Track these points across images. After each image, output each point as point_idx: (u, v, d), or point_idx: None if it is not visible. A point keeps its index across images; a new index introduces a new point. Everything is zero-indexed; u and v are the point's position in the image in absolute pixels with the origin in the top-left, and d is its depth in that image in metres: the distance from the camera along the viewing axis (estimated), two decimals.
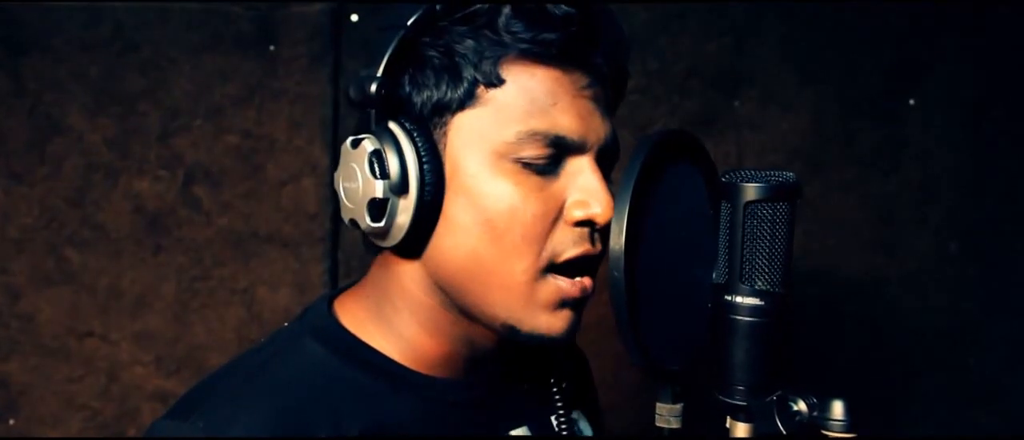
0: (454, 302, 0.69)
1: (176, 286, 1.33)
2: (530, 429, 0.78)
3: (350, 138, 0.68)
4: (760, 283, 0.54)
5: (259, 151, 1.34)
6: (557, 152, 0.66)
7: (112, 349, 1.32)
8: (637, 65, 1.48)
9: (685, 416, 0.57)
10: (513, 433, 0.77)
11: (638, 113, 1.49)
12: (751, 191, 0.53)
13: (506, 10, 0.65)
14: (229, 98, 1.33)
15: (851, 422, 0.49)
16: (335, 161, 1.35)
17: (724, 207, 0.55)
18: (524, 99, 0.65)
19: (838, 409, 0.50)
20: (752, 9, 1.51)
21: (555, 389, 0.80)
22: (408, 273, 0.70)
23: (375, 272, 0.74)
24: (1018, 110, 1.61)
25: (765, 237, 0.53)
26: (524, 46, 0.64)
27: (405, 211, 0.65)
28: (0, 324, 1.28)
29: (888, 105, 1.58)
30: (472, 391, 0.74)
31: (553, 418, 0.80)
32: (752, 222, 0.53)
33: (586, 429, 0.87)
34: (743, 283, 0.54)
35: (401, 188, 0.65)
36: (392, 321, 0.71)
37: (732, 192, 0.54)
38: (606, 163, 0.70)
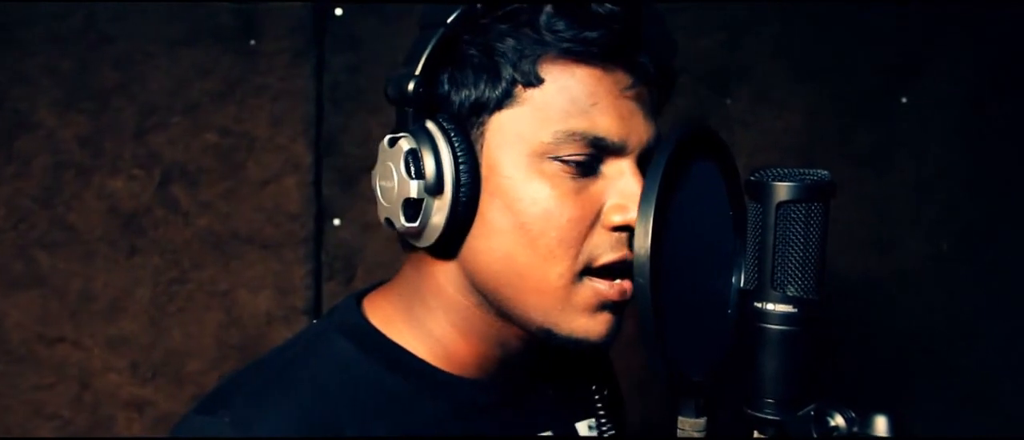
0: (490, 303, 0.68)
1: (152, 289, 1.28)
2: (554, 433, 0.78)
3: (388, 136, 0.67)
4: (792, 289, 0.50)
5: (239, 149, 1.30)
6: (596, 153, 0.64)
7: (84, 355, 1.26)
8: None
9: (709, 431, 0.53)
10: (540, 436, 0.76)
11: None
12: (783, 191, 0.50)
13: (548, 8, 0.63)
14: (208, 94, 1.29)
15: (896, 438, 0.46)
16: (318, 159, 1.33)
17: (753, 208, 0.52)
18: (563, 99, 0.63)
19: (882, 425, 0.47)
20: (745, 6, 1.50)
21: (597, 397, 0.79)
22: (443, 273, 0.69)
23: (407, 271, 0.73)
24: (1012, 109, 1.61)
25: (798, 240, 0.50)
26: (565, 45, 0.63)
27: (440, 212, 0.64)
28: None
29: (882, 104, 1.58)
30: (499, 393, 0.73)
31: (583, 423, 0.80)
32: (784, 224, 0.50)
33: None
34: (774, 289, 0.50)
35: (436, 188, 0.64)
36: (423, 320, 0.71)
37: (762, 192, 0.51)
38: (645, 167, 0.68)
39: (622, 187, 0.64)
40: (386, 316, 0.72)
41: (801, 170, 0.51)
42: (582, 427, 0.80)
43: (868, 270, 1.59)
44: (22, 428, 1.24)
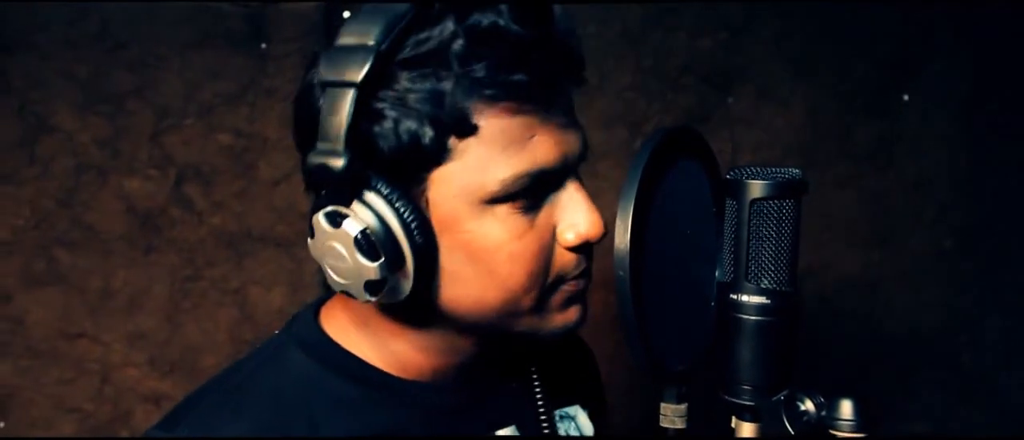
0: (457, 327, 0.69)
1: (168, 286, 1.32)
2: (518, 428, 0.78)
3: (322, 211, 0.61)
4: (766, 282, 0.53)
5: (251, 150, 1.33)
6: (541, 185, 0.64)
7: (104, 350, 1.30)
8: (631, 61, 1.48)
9: (690, 416, 0.56)
10: (500, 433, 0.76)
11: (632, 110, 1.48)
12: (757, 188, 0.53)
13: (456, 46, 0.59)
14: (220, 96, 1.32)
15: (861, 422, 0.49)
16: None
17: (729, 204, 0.55)
18: (502, 142, 0.61)
19: (847, 409, 0.49)
20: (746, 5, 1.51)
21: (537, 386, 0.79)
22: (403, 304, 0.67)
23: None
24: (1012, 105, 1.62)
25: (771, 235, 0.53)
26: (491, 92, 0.59)
27: (405, 280, 0.62)
28: None
29: (882, 101, 1.58)
30: (458, 395, 0.73)
31: (559, 412, 0.81)
32: (758, 220, 0.53)
33: (585, 424, 0.86)
34: (749, 282, 0.53)
35: (397, 264, 0.61)
36: (378, 333, 0.70)
37: (737, 189, 0.53)
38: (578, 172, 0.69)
39: (569, 205, 0.65)
40: (342, 327, 0.72)
41: (774, 169, 0.54)
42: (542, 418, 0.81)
43: (869, 266, 1.60)
44: (45, 421, 1.28)
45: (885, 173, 1.59)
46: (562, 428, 0.82)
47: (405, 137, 0.60)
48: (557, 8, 0.63)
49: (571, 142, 0.64)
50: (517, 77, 0.59)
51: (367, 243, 0.60)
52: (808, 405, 0.50)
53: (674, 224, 0.58)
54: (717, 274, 0.56)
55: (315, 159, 0.60)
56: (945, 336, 1.64)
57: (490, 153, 0.61)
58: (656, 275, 0.55)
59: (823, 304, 1.58)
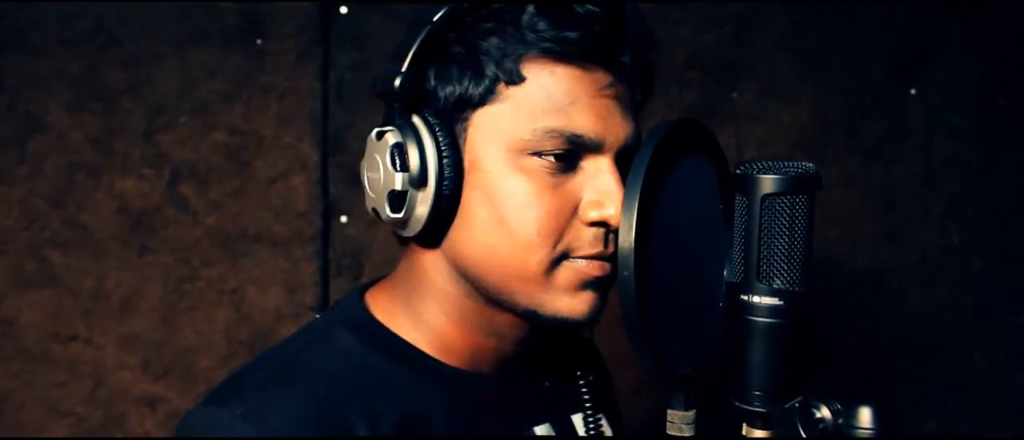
0: (478, 290, 0.70)
1: (163, 287, 1.30)
2: (553, 427, 0.79)
3: (375, 129, 0.69)
4: (778, 282, 0.50)
5: (247, 148, 1.31)
6: (574, 150, 0.66)
7: (97, 353, 1.28)
8: None
9: (698, 423, 0.53)
10: (537, 431, 0.77)
11: None
12: (768, 183, 0.50)
13: (530, 8, 0.65)
14: (215, 94, 1.30)
15: (880, 430, 0.46)
16: (325, 157, 1.34)
17: (739, 201, 0.52)
18: (543, 96, 0.65)
19: (866, 416, 0.47)
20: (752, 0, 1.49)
21: (583, 385, 0.80)
22: (432, 263, 0.72)
23: (403, 264, 0.75)
24: (1022, 99, 1.60)
25: (783, 232, 0.50)
26: (545, 45, 0.64)
27: (424, 203, 0.67)
28: None
29: (890, 95, 1.56)
30: (498, 386, 0.75)
31: (578, 416, 0.81)
32: (769, 216, 0.50)
33: (608, 433, 0.85)
34: (760, 282, 0.50)
35: (420, 181, 0.66)
36: (420, 311, 0.73)
37: (748, 185, 0.51)
38: (627, 164, 0.67)
39: (599, 184, 0.66)
40: (386, 309, 0.74)
41: (786, 162, 0.51)
42: (577, 420, 0.81)
43: (877, 262, 1.58)
44: (37, 425, 1.26)
45: (893, 168, 1.57)
46: (585, 430, 0.82)
47: (460, 75, 0.66)
48: (637, 8, 0.69)
49: (617, 125, 0.67)
50: (570, 34, 0.64)
51: (400, 155, 0.66)
52: (824, 412, 0.48)
53: (680, 221, 0.56)
54: (726, 274, 0.54)
55: (381, 76, 0.67)
56: (955, 333, 1.61)
57: (531, 105, 0.65)
58: (661, 275, 0.52)
59: (831, 301, 1.55)
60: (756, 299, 0.50)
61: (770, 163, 0.51)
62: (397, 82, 0.66)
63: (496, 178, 0.66)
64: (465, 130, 0.67)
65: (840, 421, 0.47)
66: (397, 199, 0.67)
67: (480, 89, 0.66)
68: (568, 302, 0.67)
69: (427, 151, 0.66)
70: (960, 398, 1.62)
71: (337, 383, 0.68)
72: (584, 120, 0.65)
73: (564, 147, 0.65)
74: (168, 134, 1.29)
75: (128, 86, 1.27)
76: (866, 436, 0.46)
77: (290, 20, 1.32)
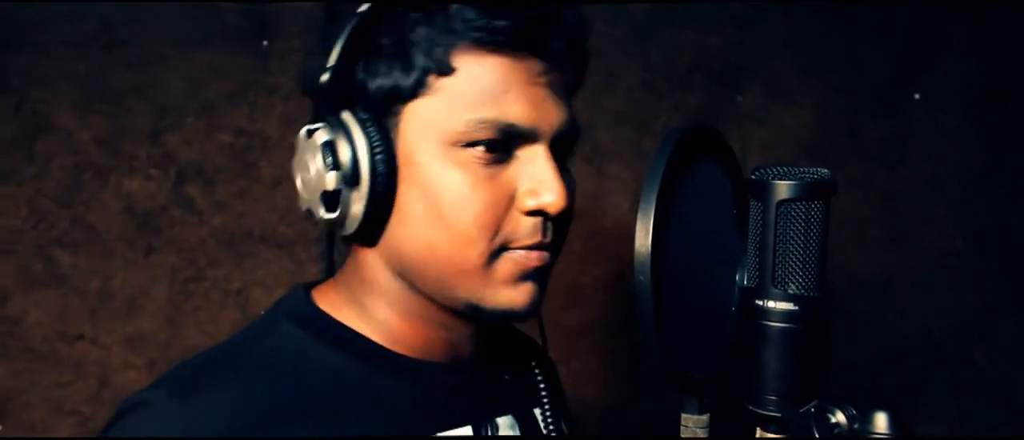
0: (419, 285, 0.69)
1: (168, 288, 1.30)
2: (515, 418, 0.78)
3: (305, 127, 0.67)
4: (793, 287, 0.51)
5: (253, 149, 1.31)
6: (508, 140, 0.65)
7: (103, 353, 1.28)
8: (639, 59, 1.46)
9: (713, 427, 0.54)
10: (499, 421, 0.76)
11: (640, 108, 1.46)
12: (784, 189, 0.50)
13: None
14: (221, 95, 1.30)
15: (897, 435, 0.46)
16: None
17: (754, 206, 0.52)
18: (475, 87, 0.64)
19: (882, 421, 0.47)
20: (755, 3, 1.49)
21: (540, 379, 0.79)
22: (373, 259, 0.71)
23: (348, 261, 0.75)
24: None
25: (799, 238, 0.50)
26: (475, 34, 0.63)
27: (358, 202, 0.66)
28: None
29: (893, 98, 1.57)
30: (453, 376, 0.73)
31: (537, 410, 0.80)
32: (785, 222, 0.50)
33: (565, 430, 0.85)
34: (775, 287, 0.51)
35: (353, 179, 0.65)
36: (367, 307, 0.72)
37: (763, 190, 0.51)
38: (563, 150, 0.69)
39: (534, 172, 0.65)
40: (333, 303, 0.73)
41: (801, 168, 0.51)
42: (538, 414, 0.81)
43: (880, 266, 1.58)
44: (43, 424, 1.26)
45: (896, 172, 1.57)
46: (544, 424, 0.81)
47: (389, 67, 0.65)
48: None
49: (551, 112, 0.66)
50: (500, 23, 0.63)
51: (331, 153, 0.64)
52: (839, 417, 0.48)
53: (693, 226, 0.56)
54: (740, 279, 0.54)
55: (308, 72, 0.66)
56: (958, 337, 1.62)
57: (463, 95, 0.64)
58: (675, 279, 0.53)
59: (834, 304, 1.56)
60: (771, 304, 0.50)
61: (785, 169, 0.51)
62: (324, 78, 0.65)
63: (431, 172, 0.65)
64: (397, 124, 0.66)
65: (855, 426, 0.48)
66: (331, 198, 0.66)
67: (410, 81, 0.65)
68: (508, 294, 0.67)
69: (359, 148, 0.65)
70: (964, 400, 1.62)
71: (275, 371, 0.67)
72: (517, 109, 0.64)
73: (498, 137, 0.64)
74: (174, 135, 1.29)
75: (134, 87, 1.27)
76: None
77: (295, 21, 1.32)
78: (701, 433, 0.51)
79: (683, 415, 0.52)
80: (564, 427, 0.85)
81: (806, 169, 0.51)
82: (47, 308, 1.26)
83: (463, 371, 0.74)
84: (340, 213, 0.66)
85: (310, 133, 0.66)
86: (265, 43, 1.31)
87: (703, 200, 0.58)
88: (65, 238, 1.26)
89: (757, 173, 0.52)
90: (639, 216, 0.48)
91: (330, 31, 0.66)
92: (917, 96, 1.57)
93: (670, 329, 0.49)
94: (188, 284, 1.31)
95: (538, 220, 0.66)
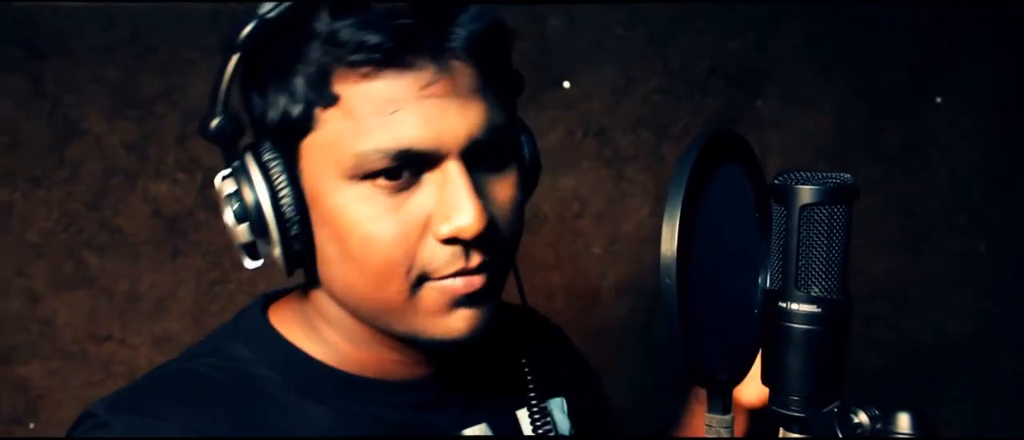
0: (360, 319, 0.67)
1: (195, 289, 1.32)
2: (490, 426, 0.74)
3: (219, 173, 0.64)
4: (816, 290, 0.52)
5: None
6: (409, 164, 0.59)
7: (131, 353, 1.31)
8: (657, 63, 1.47)
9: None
10: (471, 431, 0.72)
11: (659, 112, 1.47)
12: (807, 194, 0.51)
13: (325, 17, 0.58)
14: None
15: (920, 435, 0.47)
16: None
17: (777, 210, 0.53)
18: (361, 114, 0.58)
19: (905, 422, 0.48)
20: (774, 6, 1.50)
21: (528, 373, 0.75)
22: (318, 291, 0.68)
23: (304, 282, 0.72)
24: None
25: (822, 242, 0.51)
26: (350, 58, 0.57)
27: (275, 248, 0.62)
28: (20, 328, 1.27)
29: (913, 103, 1.56)
30: (412, 394, 0.69)
31: (524, 412, 0.76)
32: (808, 226, 0.51)
33: (562, 419, 0.81)
34: (799, 290, 0.52)
35: (262, 231, 0.61)
36: (317, 328, 0.69)
37: (786, 195, 0.52)
38: (491, 158, 0.63)
39: (445, 194, 0.59)
40: (285, 320, 0.70)
41: (824, 173, 0.53)
42: (522, 415, 0.77)
43: (900, 271, 1.58)
44: (73, 422, 1.29)
45: (916, 176, 1.57)
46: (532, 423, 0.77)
47: (278, 104, 0.60)
48: None
49: (454, 123, 0.59)
50: (372, 39, 0.56)
51: (238, 201, 0.61)
52: (862, 417, 0.49)
53: (717, 230, 0.57)
54: (763, 282, 0.55)
55: (202, 117, 0.62)
56: (978, 342, 1.61)
57: (351, 125, 0.58)
58: (700, 282, 0.54)
59: (853, 309, 1.56)
60: (794, 306, 0.51)
61: (808, 174, 0.52)
62: (214, 124, 0.60)
63: (335, 211, 0.60)
64: (300, 161, 0.61)
65: (878, 426, 0.49)
66: (250, 249, 0.62)
67: (299, 115, 0.59)
68: (442, 324, 0.62)
69: (261, 197, 0.60)
70: (984, 406, 1.61)
71: (211, 394, 0.65)
72: (410, 130, 0.57)
73: (393, 164, 0.58)
74: (200, 140, 1.30)
75: (162, 92, 1.30)
76: None
77: None
78: (725, 432, 0.52)
79: (707, 415, 0.53)
80: (557, 418, 0.80)
81: (829, 174, 0.52)
82: (77, 309, 1.29)
83: (425, 388, 0.70)
84: (265, 261, 0.63)
85: (223, 179, 0.63)
86: None
87: (726, 205, 0.59)
88: (95, 241, 1.29)
89: (780, 178, 0.53)
90: (665, 220, 0.49)
91: (218, 72, 0.61)
92: (939, 100, 1.57)
93: (694, 330, 0.51)
94: (214, 286, 1.33)
95: (457, 247, 0.60)
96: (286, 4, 0.58)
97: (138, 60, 1.29)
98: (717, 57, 1.49)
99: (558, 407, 0.82)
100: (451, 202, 0.59)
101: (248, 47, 0.59)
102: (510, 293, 0.74)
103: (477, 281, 0.62)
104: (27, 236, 1.27)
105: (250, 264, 0.63)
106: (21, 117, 1.25)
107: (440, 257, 0.61)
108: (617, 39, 1.44)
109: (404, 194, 0.60)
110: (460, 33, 0.60)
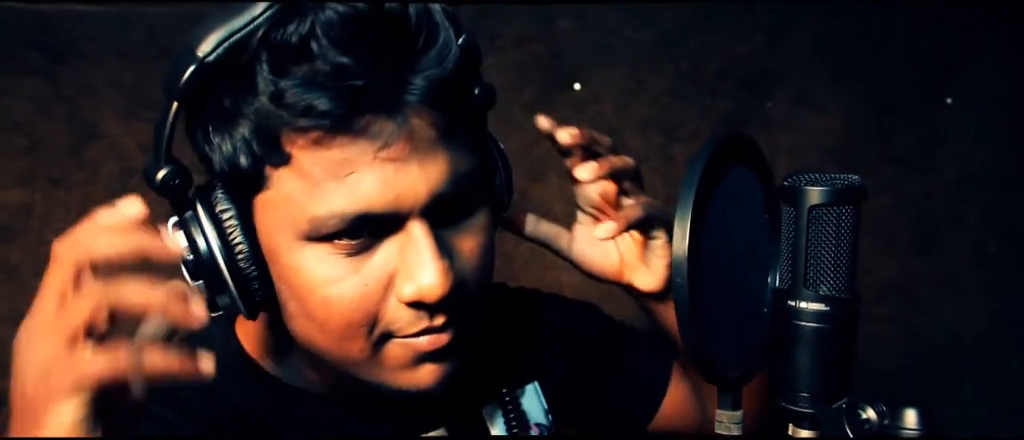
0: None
1: None
2: (448, 429, 0.74)
3: (170, 220, 0.59)
4: (825, 288, 0.53)
5: None
6: (366, 227, 0.57)
7: None
8: (667, 65, 1.48)
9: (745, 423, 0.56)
10: (430, 435, 0.72)
11: (669, 114, 1.48)
12: (815, 195, 0.52)
13: (265, 72, 0.53)
14: None
15: (926, 431, 0.48)
16: None
17: (786, 211, 0.54)
18: (314, 176, 0.55)
19: (912, 418, 0.49)
20: (783, 8, 1.50)
21: (506, 396, 0.75)
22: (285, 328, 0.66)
23: None
24: None
25: (830, 242, 0.52)
26: (295, 121, 0.53)
27: (236, 303, 0.59)
28: None
29: (923, 103, 1.57)
30: (360, 403, 0.69)
31: (500, 414, 0.77)
32: (816, 227, 0.53)
33: (535, 405, 0.81)
34: (808, 288, 0.53)
35: (219, 287, 0.58)
36: (285, 351, 0.69)
37: (795, 196, 0.53)
38: (452, 208, 0.59)
39: (407, 255, 0.57)
40: (249, 333, 0.70)
41: (832, 174, 0.53)
42: (494, 417, 0.77)
43: (911, 271, 1.58)
44: None
45: (926, 177, 1.57)
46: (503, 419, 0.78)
47: (226, 158, 0.56)
48: (425, 11, 0.55)
49: (415, 182, 0.55)
50: (320, 104, 0.52)
51: (193, 260, 0.57)
52: (870, 413, 0.50)
53: (727, 231, 0.58)
54: (772, 281, 0.56)
55: (147, 168, 0.58)
56: (989, 343, 1.61)
57: (304, 186, 0.55)
58: (710, 281, 0.55)
59: (863, 310, 1.56)
60: (803, 305, 0.52)
61: (816, 175, 0.53)
62: (160, 176, 0.57)
63: (292, 270, 0.57)
64: (253, 214, 0.58)
65: (886, 422, 0.49)
66: (210, 303, 0.58)
67: (248, 168, 0.55)
68: (408, 377, 0.61)
69: (217, 256, 0.56)
70: (995, 407, 1.61)
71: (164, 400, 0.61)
72: (366, 192, 0.54)
73: (350, 227, 0.55)
74: None
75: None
76: (912, 437, 0.49)
77: None
78: (735, 429, 0.53)
79: (718, 411, 0.54)
80: (528, 406, 0.80)
81: (837, 175, 0.53)
82: None
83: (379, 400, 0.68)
84: (226, 313, 0.59)
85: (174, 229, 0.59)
86: None
87: (737, 206, 0.60)
88: None
89: (789, 180, 0.54)
90: (676, 220, 0.50)
91: (159, 119, 0.57)
92: (949, 100, 1.57)
93: (705, 328, 0.52)
94: None
95: (420, 308, 0.58)
96: (222, 49, 0.53)
97: (153, 63, 1.31)
98: (727, 59, 1.49)
99: (532, 393, 0.81)
100: (414, 264, 0.57)
101: (189, 94, 0.55)
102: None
103: (443, 338, 0.61)
104: (46, 236, 1.29)
105: (214, 314, 0.58)
106: (40, 119, 1.27)
107: (403, 318, 0.59)
108: (627, 41, 1.45)
109: (364, 255, 0.58)
110: (418, 83, 0.55)
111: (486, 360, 0.75)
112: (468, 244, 0.61)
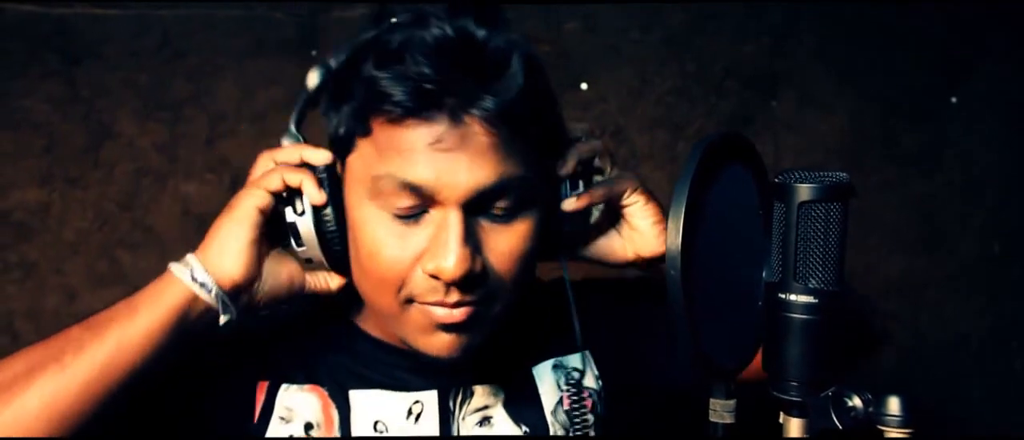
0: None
1: None
2: (500, 385, 0.84)
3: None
4: (814, 282, 0.54)
5: None
6: (415, 197, 0.70)
7: None
8: (673, 65, 1.49)
9: (738, 411, 0.57)
10: (478, 388, 0.83)
11: (675, 114, 1.49)
12: (805, 192, 0.54)
13: (370, 64, 0.70)
14: (272, 103, 1.36)
15: (908, 418, 0.50)
16: None
17: (777, 207, 0.56)
18: (383, 148, 0.70)
19: (894, 405, 0.50)
20: (789, 9, 1.51)
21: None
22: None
23: None
24: None
25: (819, 237, 0.54)
26: (380, 105, 0.69)
27: (313, 250, 0.77)
28: (57, 324, 1.31)
29: (929, 104, 1.57)
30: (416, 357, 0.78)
31: (545, 364, 0.87)
32: (806, 222, 0.54)
33: (588, 371, 0.87)
34: (797, 282, 0.54)
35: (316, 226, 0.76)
36: (362, 304, 0.84)
37: (786, 193, 0.55)
38: (494, 204, 0.72)
39: (438, 236, 0.70)
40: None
41: (821, 172, 0.55)
42: (541, 370, 0.86)
43: (916, 271, 1.58)
44: None
45: (932, 177, 1.58)
46: (553, 378, 0.86)
47: (334, 126, 0.74)
48: (503, 47, 0.70)
49: (458, 175, 0.68)
50: (398, 96, 0.67)
51: (296, 197, 0.76)
52: (855, 401, 0.52)
53: (722, 226, 0.60)
54: (765, 275, 0.58)
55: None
56: (994, 343, 1.61)
57: (376, 153, 0.70)
58: (705, 274, 0.56)
59: (868, 308, 1.57)
60: (793, 297, 0.54)
61: (806, 173, 0.55)
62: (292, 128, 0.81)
63: (357, 223, 0.73)
64: (345, 174, 0.75)
65: (870, 410, 0.51)
66: (296, 234, 0.76)
67: (345, 135, 0.73)
68: (426, 341, 0.74)
69: (306, 208, 0.76)
70: (999, 407, 1.61)
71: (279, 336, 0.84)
72: (418, 169, 0.68)
73: (402, 193, 0.69)
74: (228, 141, 1.35)
75: (191, 96, 1.34)
76: (895, 424, 0.50)
77: (343, 31, 1.37)
78: (727, 417, 0.55)
79: (711, 400, 0.56)
80: (570, 374, 0.87)
81: (826, 173, 0.55)
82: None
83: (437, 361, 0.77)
84: (307, 251, 0.77)
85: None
86: (314, 53, 1.37)
87: (731, 203, 0.61)
88: (127, 239, 1.33)
89: (780, 177, 0.56)
90: (670, 215, 0.52)
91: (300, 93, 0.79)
92: (954, 100, 1.57)
93: (699, 319, 0.53)
94: None
95: (439, 282, 0.70)
96: (343, 58, 0.75)
97: (168, 65, 1.33)
98: (732, 59, 1.51)
99: (583, 360, 0.89)
100: (440, 244, 0.69)
101: (317, 92, 0.76)
102: None
103: (458, 314, 0.72)
104: (64, 235, 1.32)
105: (297, 249, 0.77)
106: (57, 120, 1.30)
107: (422, 285, 0.71)
108: (633, 42, 1.47)
109: (409, 225, 0.71)
110: (481, 100, 0.68)
111: (537, 327, 0.87)
112: (504, 243, 0.72)
